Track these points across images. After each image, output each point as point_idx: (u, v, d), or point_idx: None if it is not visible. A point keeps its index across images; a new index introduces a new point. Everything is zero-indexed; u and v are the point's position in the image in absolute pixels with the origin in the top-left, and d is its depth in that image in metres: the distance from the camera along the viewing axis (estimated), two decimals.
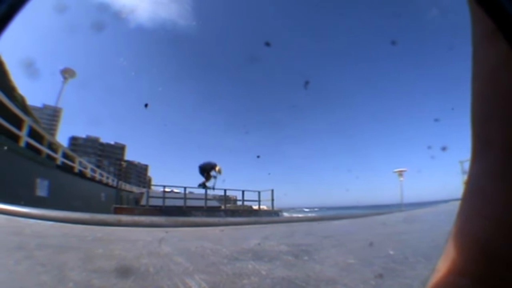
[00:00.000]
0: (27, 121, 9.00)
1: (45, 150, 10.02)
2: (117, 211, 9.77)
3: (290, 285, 2.29)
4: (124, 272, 2.37)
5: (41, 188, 8.15)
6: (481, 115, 0.26)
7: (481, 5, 0.23)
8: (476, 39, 0.26)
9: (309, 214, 16.50)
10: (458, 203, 0.27)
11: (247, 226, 6.64)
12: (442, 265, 0.26)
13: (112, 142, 27.39)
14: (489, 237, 0.23)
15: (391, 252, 3.30)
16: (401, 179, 12.99)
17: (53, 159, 10.50)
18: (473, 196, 0.25)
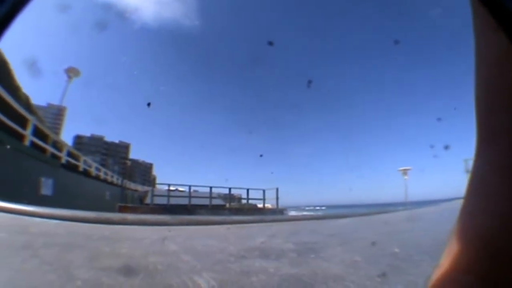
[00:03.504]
0: (31, 120, 9.04)
1: (49, 148, 10.06)
2: (121, 209, 9.81)
3: (297, 282, 2.28)
4: (132, 270, 2.35)
5: (46, 187, 8.20)
6: (486, 105, 0.25)
7: (482, 2, 0.23)
8: (478, 30, 0.26)
9: (313, 213, 16.57)
10: (461, 202, 0.26)
11: (252, 225, 6.60)
12: (445, 261, 0.26)
13: (116, 141, 27.50)
14: (493, 233, 0.22)
15: (396, 250, 3.28)
16: (406, 177, 12.95)
17: (57, 158, 10.56)
18: (476, 192, 0.25)
